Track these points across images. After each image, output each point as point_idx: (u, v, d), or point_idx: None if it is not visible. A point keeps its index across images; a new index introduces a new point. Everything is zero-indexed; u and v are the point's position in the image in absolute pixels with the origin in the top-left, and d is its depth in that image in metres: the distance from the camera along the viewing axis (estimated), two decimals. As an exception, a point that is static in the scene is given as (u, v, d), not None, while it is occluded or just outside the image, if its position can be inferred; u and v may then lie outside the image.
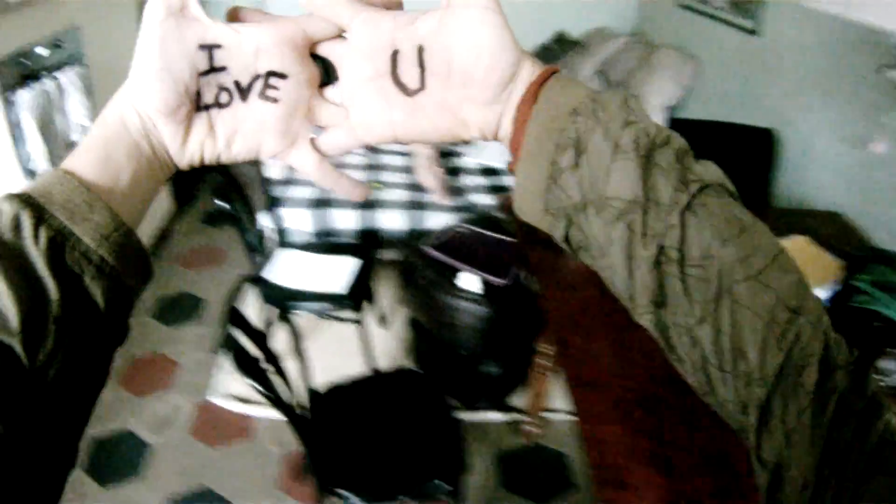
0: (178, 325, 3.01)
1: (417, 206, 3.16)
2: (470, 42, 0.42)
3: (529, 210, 0.44)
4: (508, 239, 2.56)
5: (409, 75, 0.44)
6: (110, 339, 0.41)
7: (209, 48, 0.42)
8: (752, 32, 3.05)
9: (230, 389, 2.64)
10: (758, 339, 0.37)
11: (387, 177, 3.44)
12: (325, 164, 0.48)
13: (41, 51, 2.43)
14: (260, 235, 2.65)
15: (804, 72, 2.71)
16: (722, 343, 0.38)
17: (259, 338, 1.66)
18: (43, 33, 2.46)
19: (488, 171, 3.61)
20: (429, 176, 3.27)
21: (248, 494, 2.26)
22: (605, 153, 0.39)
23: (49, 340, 0.35)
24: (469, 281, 2.35)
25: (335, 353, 2.75)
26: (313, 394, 1.92)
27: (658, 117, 3.70)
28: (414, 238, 3.11)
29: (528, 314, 2.50)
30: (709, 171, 0.40)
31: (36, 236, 0.36)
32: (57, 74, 2.50)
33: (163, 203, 3.61)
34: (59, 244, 0.36)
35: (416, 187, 3.36)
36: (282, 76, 0.45)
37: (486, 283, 2.36)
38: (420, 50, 0.43)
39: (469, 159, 3.69)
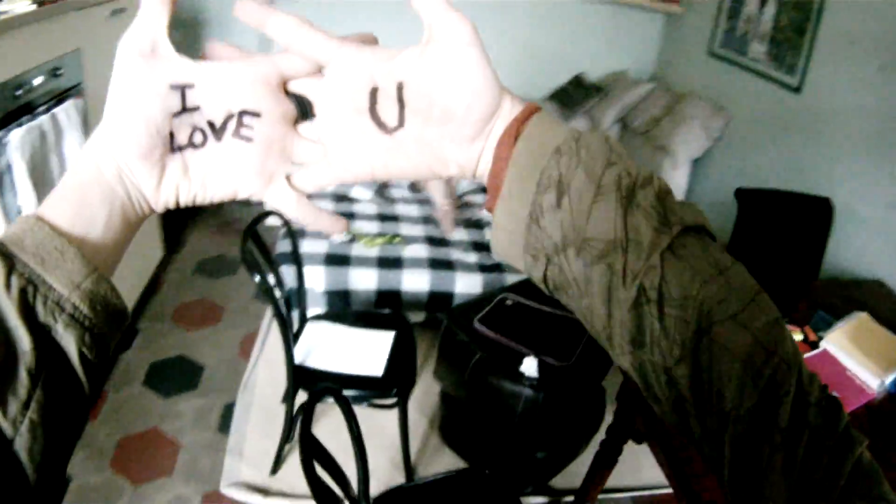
0: (176, 397, 2.65)
1: (443, 265, 2.90)
2: (451, 79, 0.41)
3: (508, 250, 0.43)
4: (569, 315, 2.33)
5: (389, 112, 0.43)
6: (84, 392, 0.39)
7: (181, 88, 0.41)
8: (795, 90, 2.91)
9: (245, 477, 2.30)
10: (735, 379, 0.37)
11: (405, 229, 3.17)
12: (304, 200, 0.47)
13: (38, 80, 2.09)
14: (288, 304, 2.32)
15: (850, 134, 2.60)
16: (699, 382, 0.38)
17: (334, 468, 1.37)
18: (42, 57, 2.13)
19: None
20: (440, 195, 3.20)
21: None
22: (587, 194, 0.39)
23: (22, 391, 0.35)
24: (530, 366, 2.10)
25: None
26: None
27: (684, 169, 3.53)
28: (438, 301, 2.85)
29: (585, 395, 2.28)
30: (690, 212, 0.40)
31: (8, 285, 0.35)
32: (54, 109, 2.15)
33: (151, 250, 3.24)
34: (32, 293, 0.36)
35: (437, 241, 3.10)
36: (255, 114, 0.44)
37: (543, 364, 2.12)
38: (400, 86, 0.42)
39: (487, 213, 3.45)
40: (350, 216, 3.23)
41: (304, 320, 2.38)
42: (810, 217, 2.60)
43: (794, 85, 2.92)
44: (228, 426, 2.52)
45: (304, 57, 0.43)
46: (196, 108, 0.42)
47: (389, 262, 2.88)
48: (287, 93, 0.45)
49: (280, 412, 2.57)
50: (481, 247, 3.14)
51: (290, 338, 2.04)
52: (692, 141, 3.45)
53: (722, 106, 3.45)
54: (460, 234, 3.22)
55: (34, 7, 2.04)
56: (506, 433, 2.22)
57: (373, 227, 3.15)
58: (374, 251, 2.94)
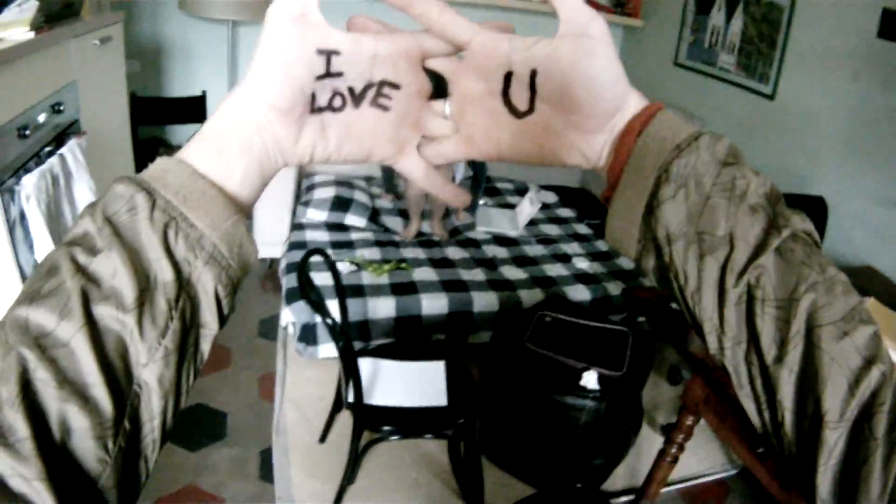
0: (205, 449, 2.51)
1: (458, 286, 2.92)
2: (582, 71, 0.43)
3: (622, 239, 0.45)
4: (615, 328, 2.42)
5: (520, 97, 0.46)
6: (215, 329, 0.41)
7: (327, 53, 0.43)
8: (768, 97, 3.11)
9: (303, 526, 2.23)
10: (834, 384, 0.37)
11: (406, 254, 3.17)
12: (432, 170, 0.50)
13: (42, 117, 1.93)
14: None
15: (828, 137, 2.80)
16: (797, 384, 0.39)
17: None
18: (43, 91, 1.98)
19: (504, 241, 3.44)
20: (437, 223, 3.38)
21: None
22: (704, 189, 0.41)
23: (161, 320, 0.36)
24: (591, 380, 2.15)
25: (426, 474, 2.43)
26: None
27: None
28: (457, 322, 2.86)
29: (632, 400, 2.36)
30: (799, 219, 0.41)
31: (151, 218, 0.37)
32: (61, 150, 2.01)
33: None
34: (175, 229, 0.38)
35: (440, 262, 3.12)
36: (395, 86, 0.46)
37: (601, 376, 2.18)
38: (533, 74, 0.44)
39: (481, 228, 3.50)
40: (349, 245, 3.19)
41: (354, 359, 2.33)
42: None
43: (767, 93, 3.11)
44: (270, 474, 2.42)
45: (445, 38, 0.45)
46: (339, 74, 0.44)
47: (404, 288, 2.87)
48: (425, 70, 0.47)
49: (319, 452, 2.51)
50: (484, 263, 3.18)
51: (359, 378, 1.99)
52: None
53: (692, 113, 3.61)
54: (460, 253, 3.25)
55: (32, 34, 1.88)
56: (568, 445, 2.26)
57: (374, 253, 3.13)
58: (384, 279, 2.92)
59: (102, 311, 0.35)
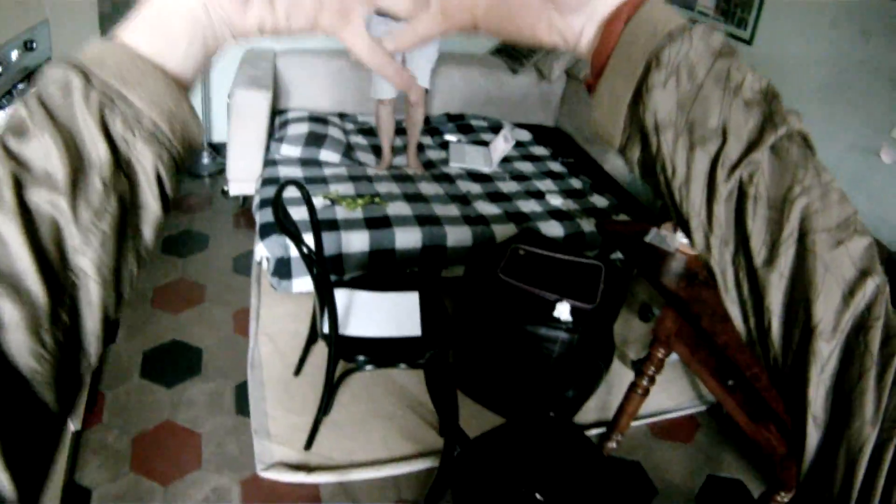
0: (180, 385, 2.52)
1: (431, 220, 2.91)
2: None
3: (606, 127, 0.43)
4: (588, 261, 2.44)
5: None
6: (157, 211, 0.40)
7: None
8: (746, 42, 3.10)
9: (280, 457, 2.25)
10: (827, 292, 0.36)
11: (380, 189, 3.15)
12: (377, 47, 0.48)
13: (14, 55, 1.87)
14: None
15: (805, 82, 2.79)
16: (787, 289, 0.38)
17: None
18: (16, 27, 1.91)
19: (478, 177, 3.42)
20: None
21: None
22: (696, 78, 0.39)
23: (96, 200, 0.35)
24: (564, 311, 2.18)
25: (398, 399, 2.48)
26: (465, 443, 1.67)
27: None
28: (430, 256, 2.87)
29: (603, 334, 2.40)
30: (796, 118, 0.40)
31: (87, 98, 0.36)
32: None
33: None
34: (111, 107, 0.36)
35: (415, 198, 3.11)
36: None
37: (573, 308, 2.21)
38: None
39: (454, 164, 3.48)
40: (323, 181, 3.16)
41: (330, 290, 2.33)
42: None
43: (745, 38, 3.10)
44: (246, 408, 2.44)
45: None
46: None
47: (378, 222, 2.86)
48: None
49: (294, 384, 2.54)
50: (457, 199, 3.17)
51: (335, 309, 2.00)
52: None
53: None
54: (433, 188, 3.24)
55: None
56: (541, 376, 2.30)
57: (349, 188, 3.10)
58: (358, 213, 2.90)
59: (35, 196, 0.34)
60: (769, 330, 0.39)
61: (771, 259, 0.38)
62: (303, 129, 3.43)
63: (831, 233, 0.37)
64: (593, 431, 2.49)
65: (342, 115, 3.91)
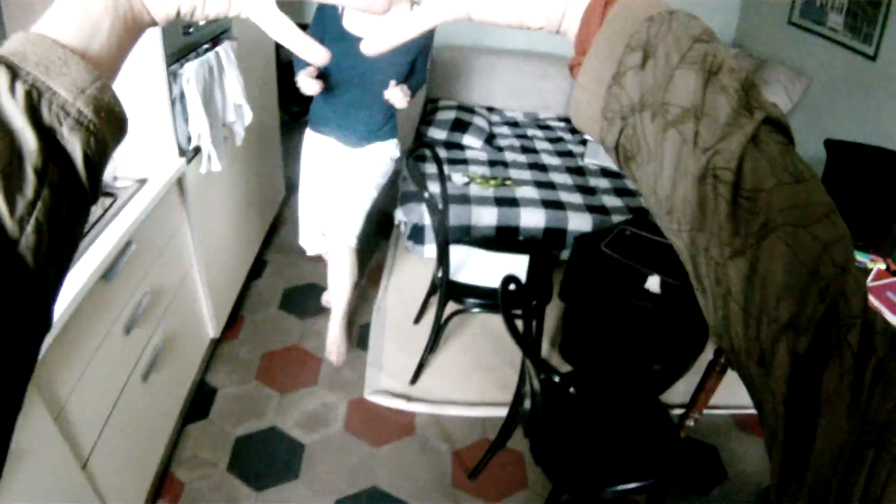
0: (312, 318, 2.93)
1: (555, 205, 3.11)
2: None
3: (586, 111, 0.43)
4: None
5: None
6: (87, 195, 0.41)
7: None
8: (870, 58, 3.07)
9: (386, 386, 2.56)
10: (800, 285, 0.35)
11: (514, 174, 3.39)
12: (287, 24, 0.49)
13: (203, 21, 2.33)
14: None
15: None
16: (755, 282, 0.36)
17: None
18: None
19: (610, 174, 3.57)
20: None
21: (423, 494, 2.17)
22: (672, 60, 0.38)
23: (29, 191, 0.35)
24: (654, 284, 2.29)
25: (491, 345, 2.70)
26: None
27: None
28: (552, 237, 3.06)
29: (697, 316, 2.46)
30: (774, 107, 0.39)
31: (12, 90, 0.36)
32: (217, 48, 2.38)
33: (276, 190, 3.53)
34: (37, 98, 0.37)
35: (544, 185, 3.31)
36: None
37: (664, 283, 2.31)
38: None
39: (589, 160, 3.65)
40: (463, 162, 3.46)
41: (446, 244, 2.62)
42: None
43: (869, 53, 3.07)
44: (366, 343, 2.78)
45: None
46: None
47: (506, 202, 3.11)
48: None
49: (412, 331, 2.83)
50: (585, 190, 3.34)
51: (447, 253, 2.27)
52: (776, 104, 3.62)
53: (802, 72, 3.60)
54: (564, 178, 3.43)
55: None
56: (628, 345, 2.43)
57: (485, 171, 3.38)
58: (489, 192, 3.16)
59: None
60: (735, 321, 0.39)
61: (742, 249, 0.37)
62: (450, 115, 3.79)
63: (807, 228, 0.36)
64: (676, 411, 2.55)
65: (490, 109, 4.23)
